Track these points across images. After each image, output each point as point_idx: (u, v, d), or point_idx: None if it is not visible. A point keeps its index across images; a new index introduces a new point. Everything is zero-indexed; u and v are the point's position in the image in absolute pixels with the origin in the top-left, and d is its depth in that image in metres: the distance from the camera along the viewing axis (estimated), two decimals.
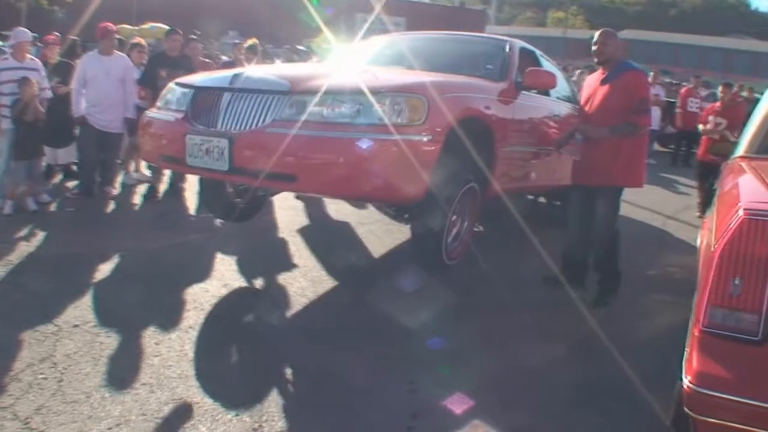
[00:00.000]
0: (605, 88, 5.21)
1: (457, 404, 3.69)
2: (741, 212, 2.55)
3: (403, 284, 5.17)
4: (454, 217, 5.00)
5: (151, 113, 5.00)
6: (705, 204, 9.00)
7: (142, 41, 9.19)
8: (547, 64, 7.09)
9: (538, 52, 7.01)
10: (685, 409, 2.53)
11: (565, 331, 4.70)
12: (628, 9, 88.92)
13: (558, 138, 5.84)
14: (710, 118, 9.42)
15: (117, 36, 8.09)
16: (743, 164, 3.72)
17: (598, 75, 5.39)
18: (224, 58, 13.63)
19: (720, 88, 10.10)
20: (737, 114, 9.59)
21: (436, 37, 7.03)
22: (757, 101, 15.78)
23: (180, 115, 4.63)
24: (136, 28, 18.99)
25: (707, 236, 3.30)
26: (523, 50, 6.46)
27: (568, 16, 71.44)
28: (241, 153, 4.20)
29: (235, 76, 4.42)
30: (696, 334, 2.60)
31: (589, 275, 5.61)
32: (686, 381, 2.51)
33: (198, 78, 4.89)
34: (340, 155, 4.05)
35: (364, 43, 7.19)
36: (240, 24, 34.25)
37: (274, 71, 4.57)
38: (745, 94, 15.23)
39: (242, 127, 4.24)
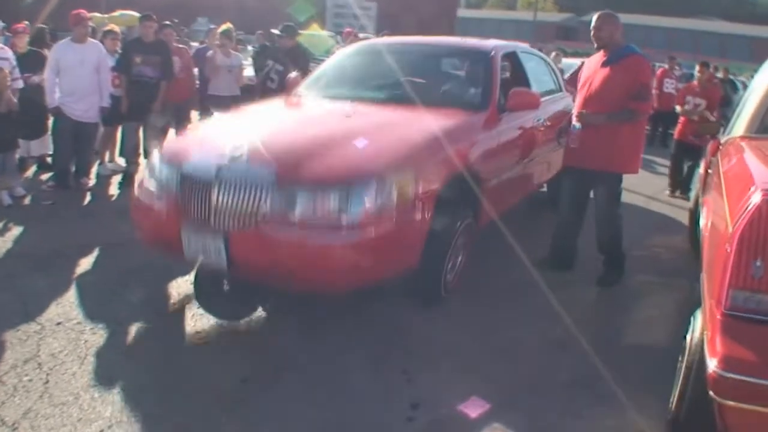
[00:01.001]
0: (605, 71, 5.12)
1: (455, 393, 3.65)
2: (759, 194, 2.49)
3: None
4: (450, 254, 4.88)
5: (141, 192, 4.66)
6: (678, 183, 9.04)
7: (116, 28, 8.95)
8: (530, 61, 6.92)
9: (519, 50, 6.77)
10: (711, 394, 2.48)
11: (560, 315, 4.63)
12: None
13: (557, 130, 5.74)
14: (689, 98, 9.38)
15: (90, 24, 7.88)
16: (744, 144, 3.68)
17: (598, 57, 5.29)
18: (194, 44, 13.42)
19: (697, 68, 10.03)
20: (714, 94, 9.61)
21: (413, 49, 6.62)
22: (731, 81, 15.92)
23: (171, 204, 4.34)
24: (106, 15, 18.65)
25: (712, 217, 3.25)
26: (505, 56, 6.26)
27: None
28: (238, 252, 4.04)
29: (220, 166, 4.15)
30: (718, 317, 2.55)
31: (577, 258, 5.61)
32: (712, 366, 2.46)
33: (184, 157, 4.46)
34: (335, 257, 3.93)
35: (338, 56, 6.79)
36: (208, 10, 33.92)
37: (260, 156, 4.20)
38: (720, 74, 15.32)
39: (235, 223, 4.04)
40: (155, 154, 4.74)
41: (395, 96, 5.56)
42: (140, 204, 4.59)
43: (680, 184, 9.15)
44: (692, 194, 7.73)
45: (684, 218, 7.50)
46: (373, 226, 3.95)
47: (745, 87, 16.30)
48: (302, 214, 3.92)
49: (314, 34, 11.46)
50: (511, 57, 6.51)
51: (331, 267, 3.96)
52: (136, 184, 4.76)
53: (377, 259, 4.05)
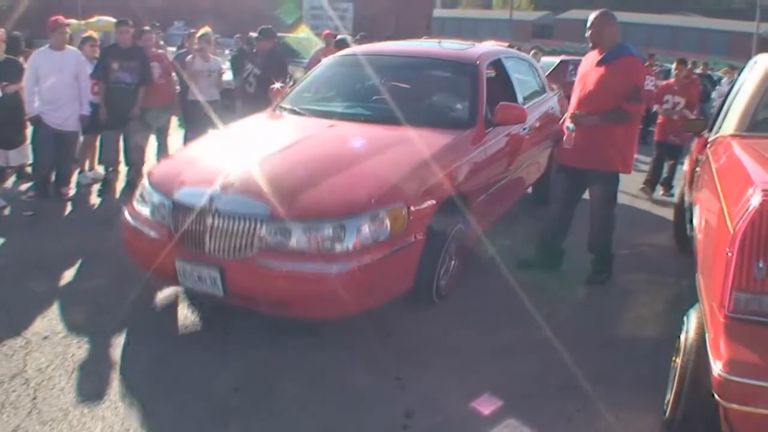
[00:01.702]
0: (599, 70, 5.11)
1: (449, 399, 3.64)
2: (760, 194, 2.48)
3: None
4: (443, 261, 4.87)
5: (134, 219, 4.59)
6: (654, 187, 9.01)
7: (95, 34, 8.87)
8: (515, 67, 6.89)
9: (504, 56, 6.73)
10: (716, 397, 2.47)
11: (550, 317, 4.62)
12: None
13: (543, 132, 5.76)
14: (667, 97, 9.26)
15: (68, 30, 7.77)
16: (736, 142, 3.68)
17: (594, 55, 5.28)
18: (171, 49, 13.33)
19: (674, 65, 9.82)
20: (693, 91, 9.56)
21: (397, 61, 6.49)
22: (709, 77, 15.91)
23: (164, 232, 4.30)
24: (83, 22, 18.48)
25: (707, 216, 3.25)
26: (490, 65, 6.22)
27: None
28: (234, 283, 4.04)
29: (213, 197, 4.12)
30: (721, 319, 2.54)
31: (565, 259, 5.62)
32: (716, 369, 2.45)
33: (175, 185, 4.40)
34: (331, 287, 3.94)
35: (321, 69, 6.65)
36: (185, 14, 33.78)
37: (253, 187, 4.18)
38: (699, 70, 15.37)
39: (230, 254, 4.03)
40: (146, 180, 4.70)
41: (381, 114, 5.52)
42: (132, 231, 4.54)
43: (658, 185, 9.13)
44: (676, 191, 7.75)
45: (667, 215, 7.53)
46: (367, 256, 3.97)
47: (720, 81, 16.49)
48: (297, 246, 3.94)
49: (304, 37, 11.35)
50: (496, 64, 6.46)
51: (327, 296, 3.98)
52: (126, 212, 4.67)
53: (372, 287, 4.10)
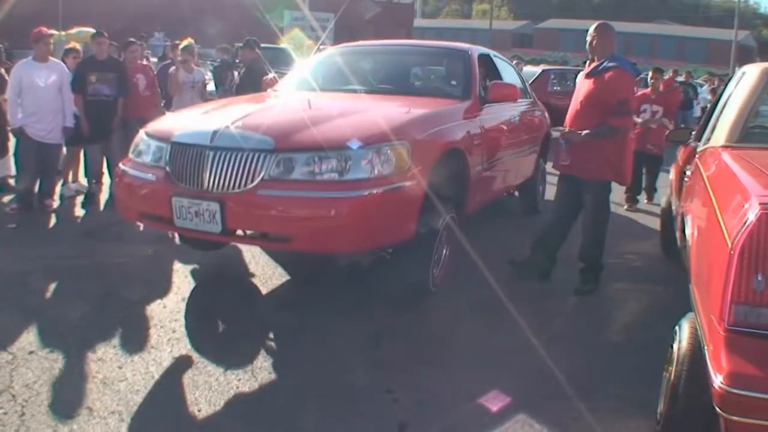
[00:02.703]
0: (588, 83, 5.14)
1: (443, 410, 3.61)
2: (757, 207, 2.49)
3: None
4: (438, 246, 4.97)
5: (128, 168, 4.72)
6: (635, 197, 9.01)
7: (78, 46, 8.83)
8: (502, 64, 7.22)
9: (492, 54, 7.08)
10: (718, 410, 2.47)
11: (542, 326, 4.62)
12: None
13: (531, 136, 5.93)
14: (645, 107, 9.23)
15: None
16: (728, 153, 3.69)
17: (588, 67, 5.33)
18: (153, 59, 13.28)
19: (650, 74, 9.77)
20: (673, 100, 9.58)
21: (395, 49, 7.14)
22: (691, 85, 15.97)
23: (161, 173, 4.40)
24: (63, 33, 18.34)
25: (700, 228, 3.26)
26: (481, 57, 6.50)
27: (493, 8, 71.84)
28: (234, 216, 4.10)
29: (215, 132, 4.23)
30: (721, 332, 2.55)
31: (555, 268, 5.62)
32: (717, 382, 2.45)
33: (173, 130, 4.55)
34: (333, 216, 4.02)
35: (320, 57, 7.01)
36: (165, 25, 33.60)
37: (256, 124, 4.35)
38: (681, 78, 15.45)
39: (231, 187, 4.10)
40: (142, 133, 4.84)
41: (382, 87, 5.97)
42: (126, 180, 4.67)
43: (641, 194, 9.15)
44: (660, 198, 7.79)
45: (650, 223, 7.58)
46: (371, 187, 4.07)
47: (698, 88, 16.59)
48: (300, 177, 4.05)
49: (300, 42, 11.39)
50: (486, 58, 6.79)
51: (329, 227, 4.06)
52: (121, 165, 4.84)
53: (376, 221, 4.18)
